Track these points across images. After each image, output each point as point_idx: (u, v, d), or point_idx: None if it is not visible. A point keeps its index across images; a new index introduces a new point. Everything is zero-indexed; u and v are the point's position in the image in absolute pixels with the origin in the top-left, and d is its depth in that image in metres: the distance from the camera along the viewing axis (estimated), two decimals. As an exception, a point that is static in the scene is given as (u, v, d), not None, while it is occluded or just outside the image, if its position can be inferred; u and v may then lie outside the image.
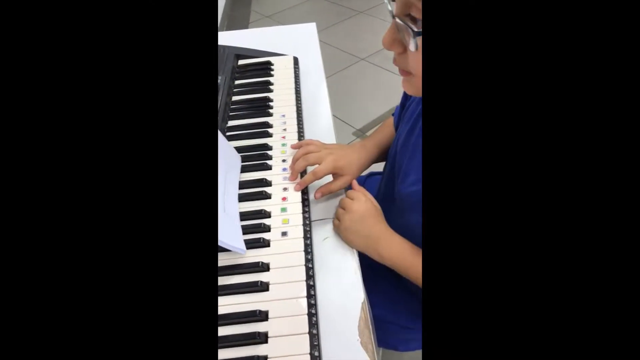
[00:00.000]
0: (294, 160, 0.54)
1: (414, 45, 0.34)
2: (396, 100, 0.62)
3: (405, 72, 0.39)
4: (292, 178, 0.54)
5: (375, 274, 0.57)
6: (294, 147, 0.58)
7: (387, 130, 0.64)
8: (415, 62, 0.36)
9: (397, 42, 0.37)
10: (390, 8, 0.36)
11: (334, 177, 0.54)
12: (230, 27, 2.35)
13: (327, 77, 0.78)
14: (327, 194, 0.53)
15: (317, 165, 0.52)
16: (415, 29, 0.33)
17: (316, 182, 0.54)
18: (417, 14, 0.33)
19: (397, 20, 0.35)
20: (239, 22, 2.47)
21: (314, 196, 0.52)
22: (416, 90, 0.41)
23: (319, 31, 0.92)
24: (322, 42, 0.89)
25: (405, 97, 0.58)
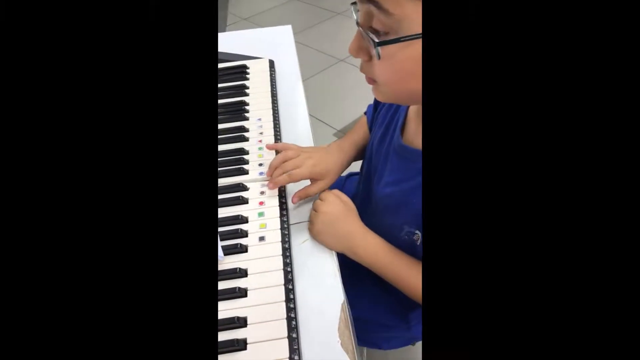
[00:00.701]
0: (272, 167, 0.53)
1: (377, 54, 0.34)
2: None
3: (371, 80, 0.39)
4: (272, 187, 0.53)
5: (355, 275, 0.57)
6: (269, 147, 0.57)
7: (361, 129, 0.65)
8: (379, 70, 0.37)
9: (363, 50, 0.37)
10: (355, 17, 0.37)
11: (311, 180, 0.54)
12: (207, 30, 2.33)
13: (306, 79, 0.79)
14: (305, 197, 0.53)
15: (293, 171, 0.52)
16: (377, 40, 0.33)
17: (295, 185, 0.53)
18: (378, 25, 0.33)
19: (361, 30, 0.35)
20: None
21: (292, 200, 0.52)
22: (384, 97, 0.41)
23: (297, 33, 0.93)
24: (301, 44, 0.90)
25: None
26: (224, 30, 2.37)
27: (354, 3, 0.37)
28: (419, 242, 0.46)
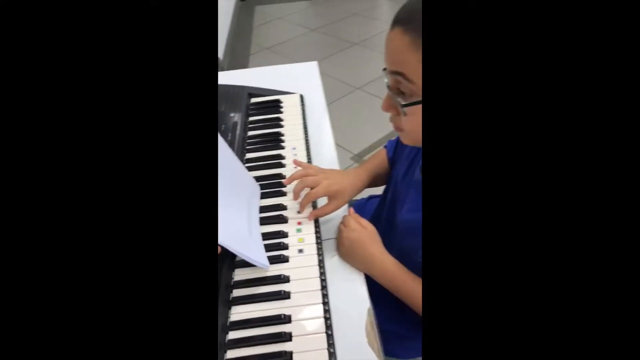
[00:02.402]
0: (292, 178, 0.61)
1: (403, 111, 0.44)
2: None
3: (398, 128, 0.49)
4: (295, 198, 0.61)
5: (378, 289, 0.64)
6: (295, 162, 0.65)
7: (377, 160, 0.73)
8: (405, 122, 0.46)
9: (392, 107, 0.47)
10: (386, 81, 0.46)
11: (328, 199, 0.61)
12: (231, 57, 2.49)
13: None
14: (321, 216, 0.61)
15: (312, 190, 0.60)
16: (403, 102, 0.43)
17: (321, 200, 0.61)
18: (405, 89, 0.43)
19: (391, 93, 0.45)
20: (240, 53, 2.61)
21: (308, 218, 0.60)
22: (408, 141, 0.51)
23: (307, 62, 1.04)
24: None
25: None
26: (247, 58, 2.52)
27: (385, 69, 0.46)
28: None
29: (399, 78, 0.43)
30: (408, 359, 0.74)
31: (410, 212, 0.57)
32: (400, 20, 0.42)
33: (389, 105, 0.47)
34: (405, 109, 0.44)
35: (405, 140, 0.51)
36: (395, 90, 0.44)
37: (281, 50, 2.62)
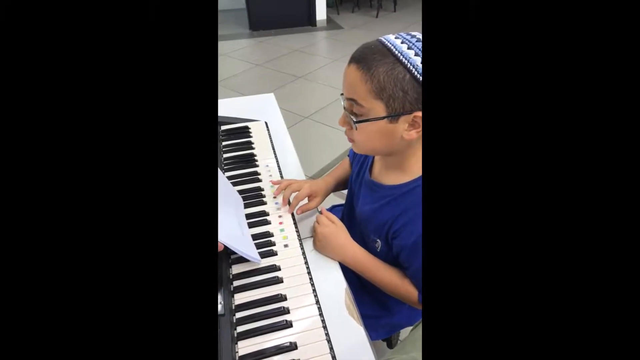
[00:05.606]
0: (279, 189, 0.76)
1: (355, 127, 0.58)
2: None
3: (351, 140, 0.63)
4: (284, 204, 0.74)
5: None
6: (273, 182, 0.80)
7: (342, 168, 0.88)
8: (356, 135, 0.59)
9: (346, 123, 0.61)
10: (343, 104, 0.60)
11: (309, 199, 0.76)
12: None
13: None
14: (306, 211, 0.75)
15: (298, 192, 0.74)
16: (355, 120, 0.57)
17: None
18: (357, 111, 0.56)
19: (346, 112, 0.59)
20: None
21: (296, 212, 0.73)
22: (359, 150, 0.65)
23: (265, 94, 1.19)
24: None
25: None
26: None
27: (342, 94, 0.60)
28: (379, 249, 0.68)
29: (352, 102, 0.56)
30: (379, 339, 0.86)
31: (364, 206, 0.71)
32: (354, 59, 0.55)
33: (344, 122, 0.61)
34: (357, 125, 0.57)
35: (356, 150, 0.65)
36: (350, 110, 0.58)
37: (229, 84, 2.74)
